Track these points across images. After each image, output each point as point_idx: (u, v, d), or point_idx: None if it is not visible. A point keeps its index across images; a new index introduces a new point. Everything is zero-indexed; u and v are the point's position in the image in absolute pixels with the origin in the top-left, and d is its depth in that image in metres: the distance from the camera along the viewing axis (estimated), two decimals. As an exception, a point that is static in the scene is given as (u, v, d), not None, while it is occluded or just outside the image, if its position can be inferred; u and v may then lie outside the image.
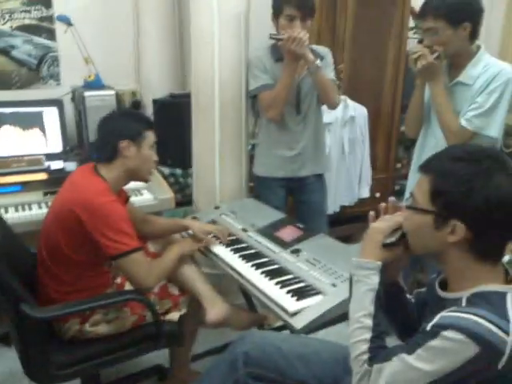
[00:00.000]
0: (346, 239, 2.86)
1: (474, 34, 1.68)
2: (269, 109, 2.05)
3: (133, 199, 2.05)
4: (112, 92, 2.46)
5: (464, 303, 0.93)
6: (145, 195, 2.19)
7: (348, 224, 2.96)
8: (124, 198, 1.75)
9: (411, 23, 3.02)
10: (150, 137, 1.63)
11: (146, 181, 1.73)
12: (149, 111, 2.70)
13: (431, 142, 1.81)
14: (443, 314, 0.91)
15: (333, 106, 2.15)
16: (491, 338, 0.84)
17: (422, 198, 0.96)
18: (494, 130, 1.66)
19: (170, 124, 2.54)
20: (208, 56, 2.08)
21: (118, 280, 1.70)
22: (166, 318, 1.63)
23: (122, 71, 2.82)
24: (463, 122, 1.67)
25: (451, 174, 0.92)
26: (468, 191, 0.89)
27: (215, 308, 1.60)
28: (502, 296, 0.91)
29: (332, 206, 2.88)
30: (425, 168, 0.99)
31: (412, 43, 2.99)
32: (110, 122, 1.64)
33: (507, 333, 0.85)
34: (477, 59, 1.69)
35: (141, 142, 1.60)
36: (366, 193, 3.02)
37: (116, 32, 2.80)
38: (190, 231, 1.82)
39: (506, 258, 1.00)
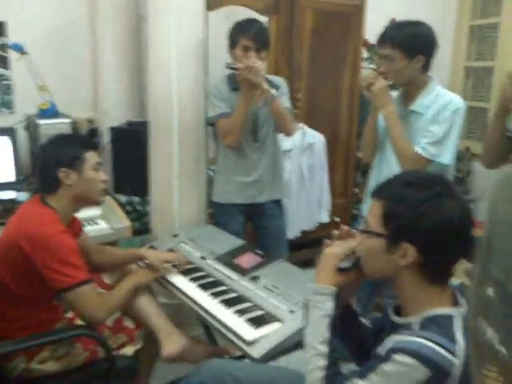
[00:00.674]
0: (307, 263, 2.87)
1: (426, 67, 1.75)
2: (226, 136, 2.07)
3: (87, 229, 1.99)
4: (67, 120, 2.41)
5: (416, 327, 0.94)
6: (100, 224, 2.13)
7: (309, 248, 2.98)
8: (77, 229, 1.69)
9: (364, 54, 3.13)
10: (91, 158, 1.55)
11: (97, 203, 1.66)
12: (106, 139, 2.67)
13: (385, 168, 1.85)
14: (395, 338, 0.92)
15: (289, 133, 2.19)
16: (440, 360, 0.85)
17: (375, 222, 0.98)
18: (447, 158, 1.72)
19: (128, 152, 2.51)
20: (166, 83, 2.08)
21: (69, 314, 1.62)
22: (120, 353, 1.57)
23: (78, 99, 2.78)
24: (419, 150, 1.71)
25: (403, 198, 0.94)
26: (419, 215, 0.92)
27: (171, 342, 1.54)
28: (450, 319, 0.93)
29: (293, 231, 2.90)
30: (377, 193, 1.01)
31: (365, 73, 3.11)
32: (46, 151, 1.56)
33: (454, 355, 0.86)
34: (428, 89, 1.76)
35: (80, 166, 1.52)
36: (325, 217, 3.06)
37: (73, 60, 2.77)
38: (147, 261, 1.77)
39: (455, 282, 1.02)
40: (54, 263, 1.39)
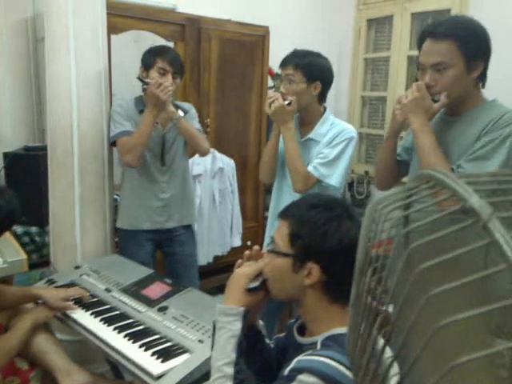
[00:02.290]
0: (220, 290, 2.86)
1: (322, 97, 1.87)
2: (126, 153, 2.00)
3: (-24, 264, 1.81)
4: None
5: (319, 346, 0.96)
6: (-9, 259, 1.94)
7: (221, 274, 2.97)
8: None
9: (270, 82, 3.26)
10: None
11: None
12: (-1, 165, 2.47)
13: (287, 189, 1.91)
14: (299, 358, 0.93)
15: (204, 152, 2.19)
16: (341, 378, 0.88)
17: (282, 242, 1.01)
18: (335, 180, 1.81)
19: (24, 179, 2.33)
20: (65, 108, 1.99)
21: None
22: (12, 400, 1.43)
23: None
24: (310, 169, 1.80)
25: (308, 219, 0.98)
26: (322, 235, 0.96)
27: (70, 381, 1.45)
28: None
29: (205, 257, 2.88)
30: (284, 214, 1.04)
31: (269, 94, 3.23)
32: (8, 201, 1.48)
33: None
34: (324, 119, 1.88)
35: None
36: (237, 241, 3.08)
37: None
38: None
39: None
40: None
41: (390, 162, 1.60)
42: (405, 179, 1.64)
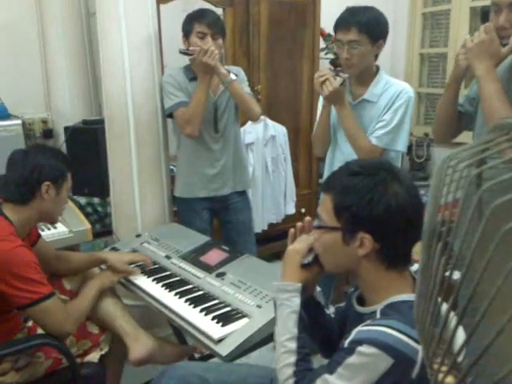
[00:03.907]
0: (276, 256, 2.88)
1: (377, 54, 1.77)
2: (186, 125, 2.01)
3: (45, 233, 1.92)
4: (18, 121, 2.31)
5: (378, 316, 0.94)
6: (58, 228, 2.04)
7: (276, 241, 2.98)
8: (34, 237, 1.62)
9: (322, 44, 3.14)
10: (70, 179, 1.56)
11: (54, 223, 1.68)
12: (61, 139, 2.58)
13: (339, 159, 1.85)
14: (358, 328, 0.92)
15: (255, 116, 2.14)
16: (403, 348, 0.85)
17: (328, 215, 0.98)
18: (400, 145, 1.76)
19: (85, 151, 2.43)
20: (119, 81, 2.02)
21: (30, 323, 1.56)
22: (84, 360, 1.52)
23: (30, 99, 2.67)
24: (374, 140, 1.74)
25: (351, 188, 0.94)
26: (369, 203, 0.92)
27: (139, 344, 1.51)
28: (411, 305, 0.93)
29: (260, 225, 2.90)
30: (326, 187, 1.01)
31: (323, 63, 3.12)
32: (31, 159, 1.48)
33: (417, 341, 0.86)
34: (378, 78, 1.79)
35: (62, 184, 1.50)
36: (291, 209, 3.07)
37: (22, 59, 2.66)
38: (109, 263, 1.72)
39: (414, 267, 1.03)
40: (13, 280, 1.33)
41: (450, 113, 1.49)
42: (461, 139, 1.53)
